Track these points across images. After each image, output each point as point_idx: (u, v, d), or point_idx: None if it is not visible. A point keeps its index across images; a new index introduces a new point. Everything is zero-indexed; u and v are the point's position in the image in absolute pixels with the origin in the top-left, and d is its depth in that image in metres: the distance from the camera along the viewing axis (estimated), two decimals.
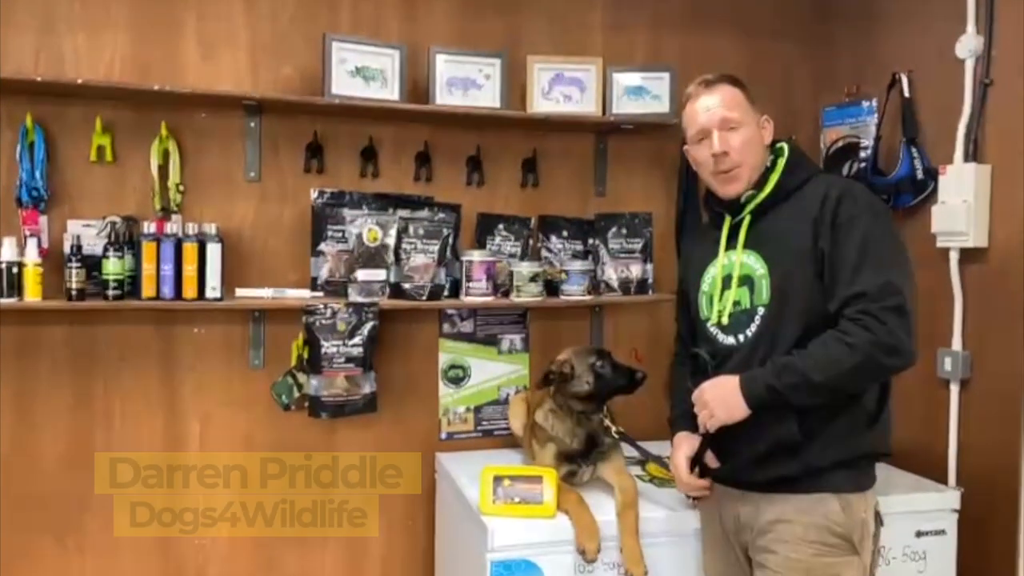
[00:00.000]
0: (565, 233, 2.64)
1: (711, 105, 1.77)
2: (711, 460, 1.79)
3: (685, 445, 1.84)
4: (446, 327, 2.60)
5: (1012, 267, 2.15)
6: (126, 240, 2.17)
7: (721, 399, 1.69)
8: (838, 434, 1.67)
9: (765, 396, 1.64)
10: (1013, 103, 2.15)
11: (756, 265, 1.75)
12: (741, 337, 1.75)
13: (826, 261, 1.66)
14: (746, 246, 1.77)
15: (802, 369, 1.61)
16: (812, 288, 1.67)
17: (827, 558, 1.66)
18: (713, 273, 1.83)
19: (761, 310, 1.72)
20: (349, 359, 2.29)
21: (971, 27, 2.25)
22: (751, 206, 1.78)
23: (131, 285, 2.16)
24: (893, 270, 1.62)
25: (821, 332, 1.64)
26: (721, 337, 1.79)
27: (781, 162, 1.79)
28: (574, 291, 2.49)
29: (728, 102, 1.76)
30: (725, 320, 1.77)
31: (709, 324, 1.82)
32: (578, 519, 1.94)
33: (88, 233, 2.19)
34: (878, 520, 1.76)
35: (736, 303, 1.76)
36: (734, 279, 1.77)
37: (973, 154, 2.25)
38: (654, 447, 2.20)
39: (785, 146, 1.82)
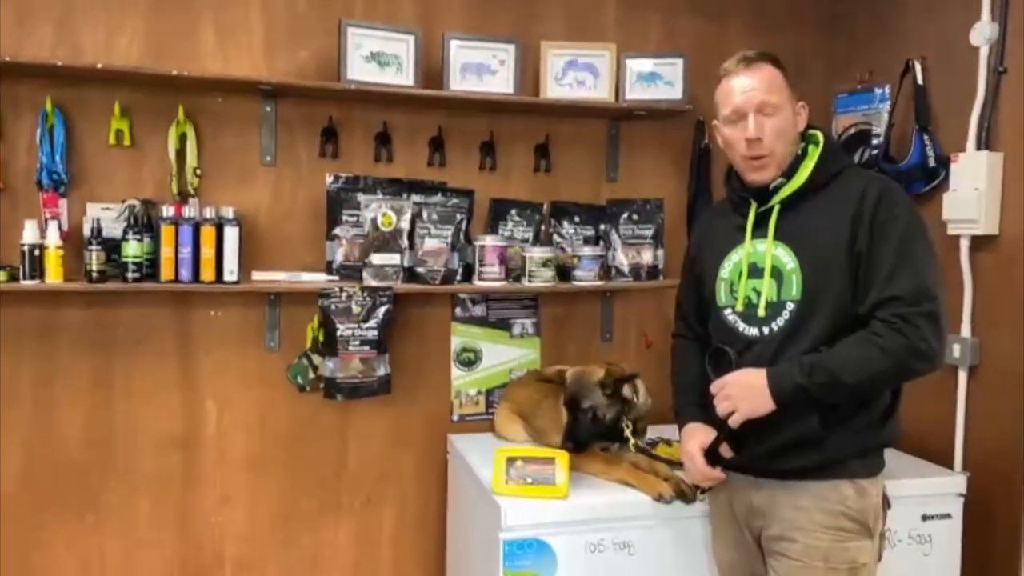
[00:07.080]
0: (577, 219, 2.65)
1: (749, 86, 1.69)
2: (725, 451, 1.76)
3: (699, 435, 1.81)
4: (459, 311, 2.63)
5: (1022, 255, 2.16)
6: (145, 223, 2.20)
7: (747, 394, 1.66)
8: (857, 427, 1.68)
9: (794, 394, 1.62)
10: None
11: (786, 258, 1.71)
12: (766, 330, 1.71)
13: (862, 262, 1.64)
14: (776, 237, 1.73)
15: (833, 369, 1.60)
16: (844, 287, 1.65)
17: (844, 543, 1.68)
18: (735, 260, 1.79)
19: (791, 305, 1.69)
20: (364, 342, 2.32)
21: (986, 14, 2.25)
22: (781, 195, 1.73)
23: (150, 268, 2.20)
24: (928, 275, 1.61)
25: (848, 330, 1.63)
26: (741, 327, 1.75)
27: (815, 152, 1.74)
28: (586, 276, 2.50)
29: (768, 84, 1.69)
30: (744, 308, 1.74)
31: (726, 312, 1.79)
32: (639, 480, 2.04)
33: (107, 216, 2.21)
34: (885, 503, 1.79)
35: (759, 293, 1.72)
36: (766, 270, 1.72)
37: (985, 142, 2.25)
38: (661, 431, 2.24)
39: (820, 135, 1.77)
